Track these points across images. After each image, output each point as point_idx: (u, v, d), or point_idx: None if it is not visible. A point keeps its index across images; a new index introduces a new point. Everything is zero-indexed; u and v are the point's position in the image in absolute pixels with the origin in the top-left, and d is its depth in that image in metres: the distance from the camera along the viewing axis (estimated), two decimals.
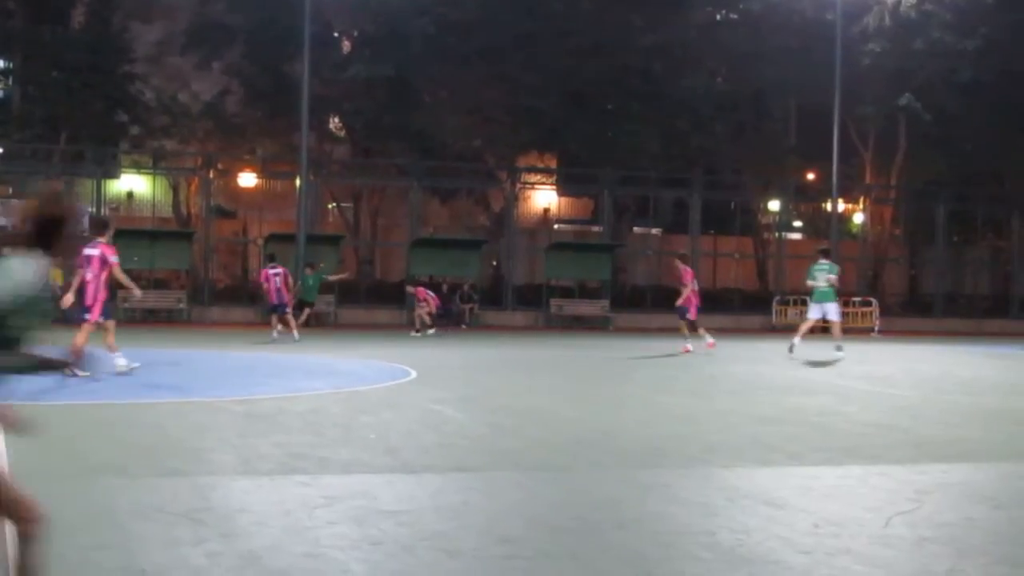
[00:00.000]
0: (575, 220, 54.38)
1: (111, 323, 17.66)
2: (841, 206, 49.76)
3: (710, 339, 25.87)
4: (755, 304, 45.14)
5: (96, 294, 17.17)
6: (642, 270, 50.29)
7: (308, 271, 31.39)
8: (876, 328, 40.74)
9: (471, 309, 40.54)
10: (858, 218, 52.96)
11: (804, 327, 25.65)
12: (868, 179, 50.21)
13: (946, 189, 48.94)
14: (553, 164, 50.37)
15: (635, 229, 52.32)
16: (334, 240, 42.13)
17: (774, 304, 43.73)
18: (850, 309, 40.41)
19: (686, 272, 26.17)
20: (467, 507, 8.38)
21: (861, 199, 51.73)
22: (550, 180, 50.32)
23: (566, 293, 44.32)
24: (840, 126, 43.35)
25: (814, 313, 25.38)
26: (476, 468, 10.10)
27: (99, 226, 17.77)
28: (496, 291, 44.57)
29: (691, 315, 26.12)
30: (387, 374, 18.83)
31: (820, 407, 15.29)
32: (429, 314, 33.26)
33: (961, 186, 49.66)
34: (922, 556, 7.14)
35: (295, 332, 27.47)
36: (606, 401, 16.15)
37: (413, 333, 32.43)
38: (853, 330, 37.21)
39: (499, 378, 19.83)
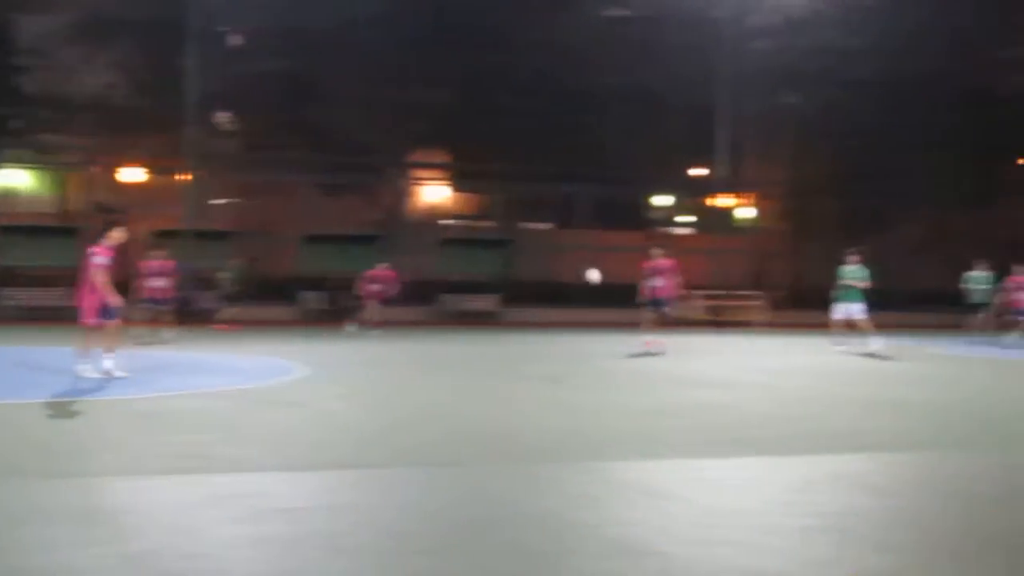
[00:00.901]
0: (467, 215, 54.33)
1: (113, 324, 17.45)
2: (728, 201, 50.31)
3: (650, 338, 25.78)
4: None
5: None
6: (533, 265, 50.37)
7: (228, 266, 31.02)
8: (762, 321, 41.26)
9: (361, 306, 40.27)
10: (745, 213, 53.54)
11: (835, 327, 26.35)
12: (755, 175, 50.82)
13: (832, 184, 49.69)
14: (446, 159, 50.33)
15: (526, 224, 52.38)
16: (222, 236, 41.69)
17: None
18: (737, 303, 40.89)
19: (663, 263, 25.85)
20: (359, 504, 8.35)
21: (748, 194, 52.31)
22: (442, 175, 50.27)
23: (457, 288, 44.30)
24: (727, 122, 43.82)
25: (840, 313, 26.22)
26: (369, 465, 10.07)
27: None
28: None
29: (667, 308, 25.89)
30: (279, 371, 18.67)
31: (710, 400, 15.45)
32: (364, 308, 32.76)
33: (847, 181, 50.42)
34: (805, 544, 7.27)
35: (169, 331, 26.90)
36: (500, 396, 16.18)
37: (351, 327, 32.07)
38: (741, 324, 37.69)
39: (392, 374, 19.75)
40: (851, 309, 25.89)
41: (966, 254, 33.06)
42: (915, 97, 46.94)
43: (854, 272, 26.24)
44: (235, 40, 45.75)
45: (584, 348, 26.47)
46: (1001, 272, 31.61)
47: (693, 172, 53.53)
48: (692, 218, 54.99)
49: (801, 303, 49.17)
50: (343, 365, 21.03)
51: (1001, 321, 31.15)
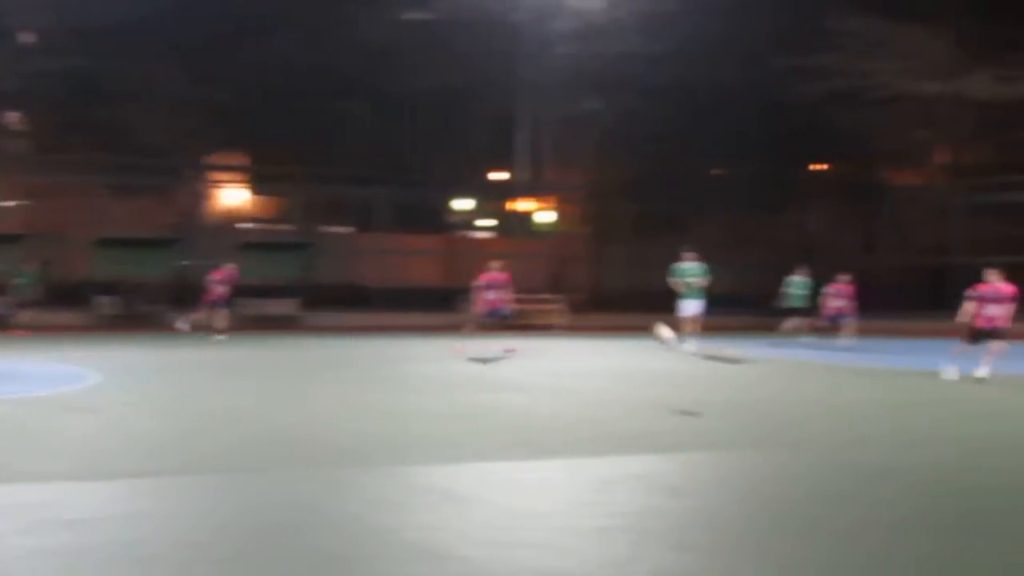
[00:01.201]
0: (266, 219, 53.70)
1: None
2: (529, 205, 50.76)
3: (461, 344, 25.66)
4: (443, 302, 45.51)
5: None
6: (333, 269, 50.04)
7: (21, 270, 29.94)
8: (562, 324, 41.64)
9: (163, 310, 39.45)
10: (546, 217, 54.06)
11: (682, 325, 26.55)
12: (556, 179, 51.40)
13: (631, 188, 50.53)
14: (244, 162, 49.67)
15: (326, 228, 52.01)
16: (13, 239, 40.38)
17: (462, 302, 44.12)
18: (537, 306, 41.20)
19: (500, 276, 25.82)
20: (153, 513, 8.14)
21: (549, 198, 52.85)
22: (240, 178, 49.60)
23: (257, 292, 43.70)
24: (528, 126, 44.22)
25: (690, 309, 26.56)
26: (164, 472, 9.84)
27: None
28: (183, 291, 43.56)
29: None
30: (70, 377, 18.12)
31: (511, 403, 15.53)
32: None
33: (646, 186, 51.30)
34: (603, 545, 7.34)
35: None
36: (300, 400, 15.99)
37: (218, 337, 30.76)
38: (541, 327, 38.01)
39: (189, 380, 19.34)
40: (693, 306, 26.53)
41: (761, 258, 33.94)
42: (713, 104, 48.05)
43: (693, 270, 26.77)
44: (24, 38, 44.44)
45: (386, 352, 26.39)
46: (821, 279, 32.51)
47: (494, 176, 53.85)
48: (493, 222, 55.27)
49: (601, 306, 49.88)
50: (138, 371, 20.51)
51: (818, 325, 32.01)
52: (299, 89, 44.84)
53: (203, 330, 31.02)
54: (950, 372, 19.68)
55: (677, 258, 27.52)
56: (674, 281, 27.00)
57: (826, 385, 20.55)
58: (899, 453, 11.69)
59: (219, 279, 31.60)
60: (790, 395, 18.45)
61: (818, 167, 59.61)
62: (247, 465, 10.33)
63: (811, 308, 32.14)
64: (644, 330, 26.71)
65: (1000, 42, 53.63)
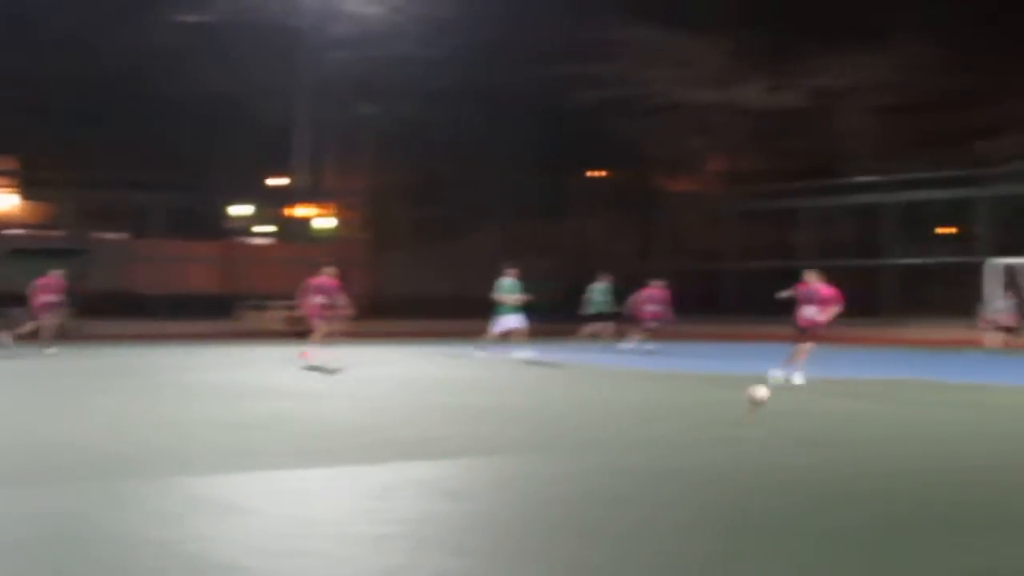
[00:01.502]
0: (36, 225, 52.08)
1: None
2: (308, 211, 50.34)
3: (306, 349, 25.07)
4: (221, 309, 44.81)
5: None
6: (108, 276, 48.79)
7: None
8: (342, 331, 41.31)
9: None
10: (325, 222, 53.73)
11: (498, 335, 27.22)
12: (336, 184, 51.10)
13: (410, 194, 50.57)
14: (13, 166, 48.08)
15: (100, 234, 50.71)
16: None
17: (240, 309, 43.50)
18: None
19: (331, 282, 25.25)
20: None
21: (328, 204, 52.53)
22: (8, 183, 48.00)
23: (23, 301, 42.24)
24: (307, 131, 43.87)
25: (511, 323, 27.01)
26: None
27: None
28: None
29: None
30: None
31: (292, 411, 15.36)
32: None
33: (425, 191, 51.40)
34: (381, 552, 7.30)
35: None
36: (76, 411, 15.52)
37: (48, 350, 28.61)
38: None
39: None
40: (510, 321, 26.96)
41: (539, 263, 34.30)
42: (493, 110, 48.45)
43: (512, 286, 27.31)
44: None
45: (165, 361, 25.82)
46: (630, 285, 33.00)
47: (273, 181, 53.32)
48: (272, 227, 54.75)
49: (381, 312, 49.74)
50: None
51: (625, 330, 32.50)
52: (68, 92, 43.66)
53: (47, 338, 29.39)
54: (778, 377, 19.54)
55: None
56: (498, 296, 27.48)
57: (613, 389, 20.86)
58: (681, 455, 11.91)
59: (47, 286, 29.93)
60: (576, 399, 18.61)
61: (596, 174, 60.64)
62: (23, 478, 9.96)
63: (613, 314, 32.62)
64: (425, 336, 26.77)
65: (772, 53, 55.48)
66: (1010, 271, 35.67)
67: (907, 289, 47.06)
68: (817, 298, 20.14)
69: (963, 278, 40.65)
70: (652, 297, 32.24)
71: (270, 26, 45.21)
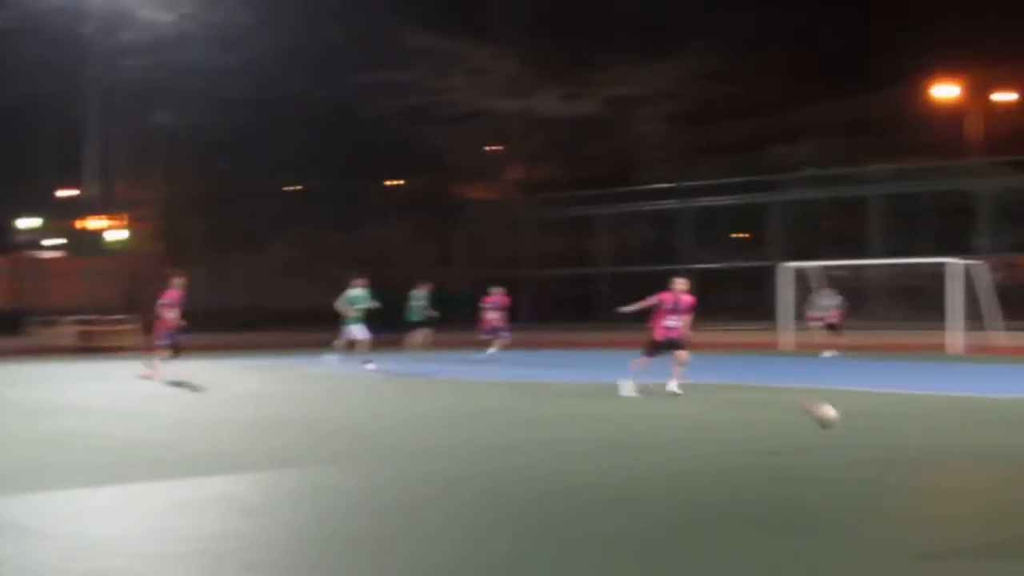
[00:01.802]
0: None
1: None
2: (100, 223, 49.13)
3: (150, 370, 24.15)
4: (10, 325, 43.36)
5: None
6: None
7: None
8: (135, 346, 40.39)
9: None
10: (117, 234, 52.54)
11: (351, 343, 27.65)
12: (128, 195, 49.99)
13: (204, 204, 49.69)
14: None
15: None
16: None
17: (30, 324, 42.17)
18: (108, 327, 39.69)
19: (175, 292, 24.44)
20: None
21: (120, 215, 51.38)
22: None
23: None
24: (97, 141, 42.84)
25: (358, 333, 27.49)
26: None
27: None
28: None
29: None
30: None
31: (80, 428, 14.95)
32: None
33: (219, 202, 50.59)
34: (174, 571, 7.12)
35: None
36: None
37: None
38: (113, 349, 36.66)
39: None
40: (355, 330, 27.41)
41: (339, 273, 33.96)
42: (286, 118, 48.02)
43: (361, 297, 27.82)
44: None
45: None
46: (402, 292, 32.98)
47: (63, 193, 51.95)
48: (62, 240, 53.36)
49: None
50: None
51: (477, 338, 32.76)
52: None
53: None
54: (627, 387, 19.18)
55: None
56: (343, 307, 27.83)
57: (415, 396, 20.82)
58: (478, 461, 11.93)
59: None
60: (366, 409, 18.53)
61: (394, 182, 60.57)
62: None
63: (431, 320, 32.70)
64: (221, 349, 26.35)
65: (566, 62, 56.16)
66: (801, 275, 36.61)
67: (704, 293, 47.92)
68: (682, 307, 19.45)
69: (757, 282, 41.65)
70: (495, 304, 32.62)
71: (59, 33, 43.98)
